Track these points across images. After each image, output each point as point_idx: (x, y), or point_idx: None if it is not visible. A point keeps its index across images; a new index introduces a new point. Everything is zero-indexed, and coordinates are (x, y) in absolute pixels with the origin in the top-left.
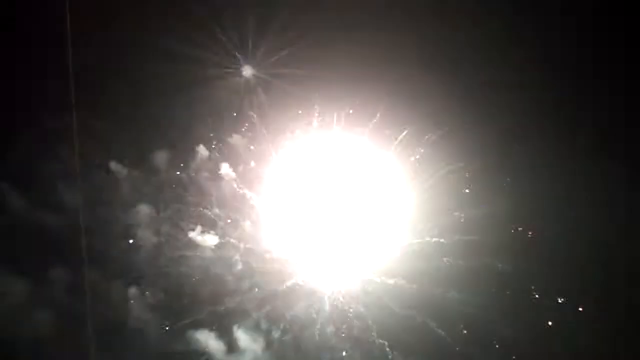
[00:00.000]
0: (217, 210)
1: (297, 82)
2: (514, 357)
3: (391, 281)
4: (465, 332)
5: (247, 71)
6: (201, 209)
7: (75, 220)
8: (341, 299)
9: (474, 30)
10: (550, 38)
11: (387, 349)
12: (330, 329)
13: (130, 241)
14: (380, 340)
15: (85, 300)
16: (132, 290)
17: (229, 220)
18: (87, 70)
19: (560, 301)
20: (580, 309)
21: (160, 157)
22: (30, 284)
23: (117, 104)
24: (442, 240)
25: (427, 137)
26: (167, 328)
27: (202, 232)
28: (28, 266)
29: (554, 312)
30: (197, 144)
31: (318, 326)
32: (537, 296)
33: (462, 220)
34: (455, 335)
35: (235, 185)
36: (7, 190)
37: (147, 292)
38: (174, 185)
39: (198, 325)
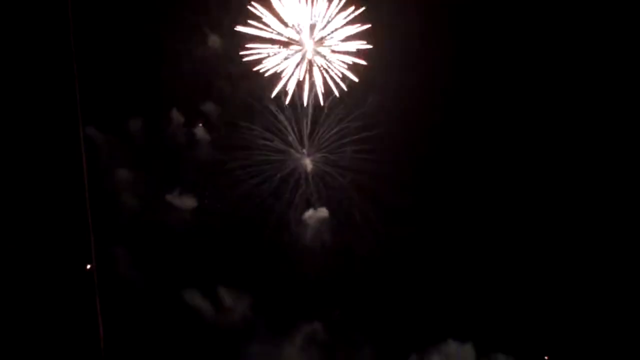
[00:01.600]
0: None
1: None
2: None
3: None
4: None
5: (216, 42)
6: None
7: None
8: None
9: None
10: None
11: None
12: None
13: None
14: None
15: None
16: (117, 251)
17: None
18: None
19: None
20: None
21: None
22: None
23: (98, 73)
24: None
25: None
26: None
27: (180, 194)
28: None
29: None
30: (173, 110)
31: None
32: None
33: None
34: None
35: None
36: None
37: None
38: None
39: (184, 284)
